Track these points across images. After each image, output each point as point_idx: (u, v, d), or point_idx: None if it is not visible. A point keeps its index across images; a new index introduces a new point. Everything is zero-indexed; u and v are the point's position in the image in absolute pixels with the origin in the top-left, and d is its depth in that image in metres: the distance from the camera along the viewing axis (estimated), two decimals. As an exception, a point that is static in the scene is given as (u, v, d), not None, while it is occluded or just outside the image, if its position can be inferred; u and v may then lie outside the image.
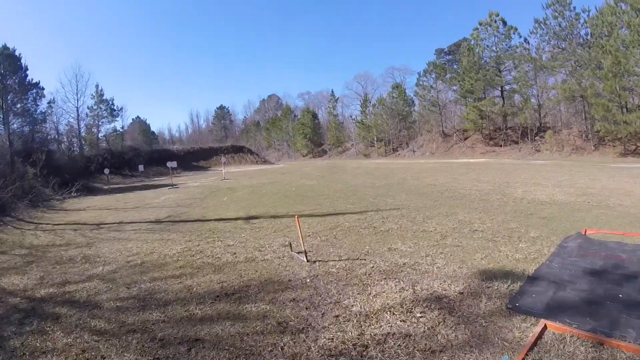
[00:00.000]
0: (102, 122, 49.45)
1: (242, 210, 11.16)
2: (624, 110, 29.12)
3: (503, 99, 44.37)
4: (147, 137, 69.64)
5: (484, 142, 45.98)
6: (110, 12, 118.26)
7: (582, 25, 34.65)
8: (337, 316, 3.62)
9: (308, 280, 4.66)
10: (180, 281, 5.09)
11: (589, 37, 33.76)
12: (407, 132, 59.94)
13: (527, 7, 79.59)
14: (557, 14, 35.99)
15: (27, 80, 33.36)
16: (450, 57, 65.66)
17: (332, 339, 3.22)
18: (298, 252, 5.77)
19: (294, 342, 3.21)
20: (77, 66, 65.65)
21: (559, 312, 3.36)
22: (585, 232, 6.05)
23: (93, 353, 3.35)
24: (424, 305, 3.73)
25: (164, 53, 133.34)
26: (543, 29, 37.79)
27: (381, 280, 4.44)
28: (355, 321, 3.50)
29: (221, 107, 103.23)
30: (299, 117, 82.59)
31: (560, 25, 36.07)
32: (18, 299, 5.17)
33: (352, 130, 70.31)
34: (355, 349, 3.03)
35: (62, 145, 41.04)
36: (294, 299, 4.09)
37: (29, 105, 33.69)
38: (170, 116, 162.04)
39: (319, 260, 5.45)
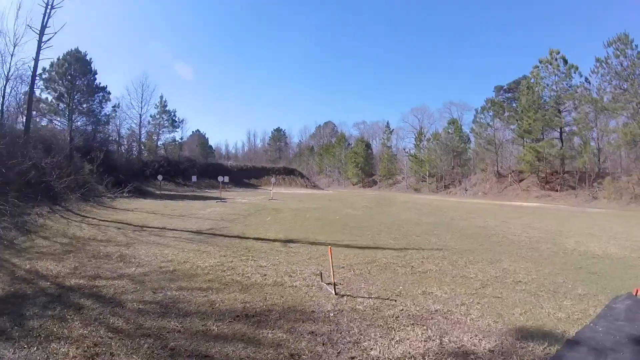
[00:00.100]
0: (163, 131, 52.56)
1: (282, 233, 11.15)
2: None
3: (562, 140, 42.17)
4: (204, 150, 72.72)
5: (540, 186, 43.56)
6: (184, 39, 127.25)
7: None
8: (353, 358, 3.39)
9: (332, 314, 4.46)
10: (205, 295, 5.09)
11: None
12: (461, 170, 58.37)
13: (589, 45, 75.95)
14: (618, 52, 34.11)
15: (95, 83, 36.15)
16: (509, 94, 63.74)
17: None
18: (328, 283, 5.58)
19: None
20: (144, 76, 70.40)
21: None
22: (637, 292, 5.35)
23: (104, 348, 3.41)
24: (449, 360, 3.41)
25: (230, 75, 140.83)
26: (604, 69, 35.98)
27: (408, 326, 4.14)
28: (371, 366, 3.25)
29: (278, 129, 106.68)
30: (352, 145, 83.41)
31: (622, 65, 34.09)
32: (48, 283, 5.50)
33: (404, 163, 69.87)
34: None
35: (122, 147, 44.01)
36: (312, 332, 3.90)
37: (94, 106, 36.40)
38: (229, 133, 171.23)
39: (348, 295, 5.23)
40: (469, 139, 60.17)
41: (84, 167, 21.44)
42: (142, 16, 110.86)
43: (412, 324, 4.21)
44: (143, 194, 27.08)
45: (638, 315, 4.47)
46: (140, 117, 46.64)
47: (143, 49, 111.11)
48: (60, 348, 3.39)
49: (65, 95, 33.00)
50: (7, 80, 18.08)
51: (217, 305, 4.70)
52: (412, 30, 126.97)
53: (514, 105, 53.37)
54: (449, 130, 59.68)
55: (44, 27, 18.04)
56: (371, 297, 5.16)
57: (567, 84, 41.40)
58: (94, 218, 12.94)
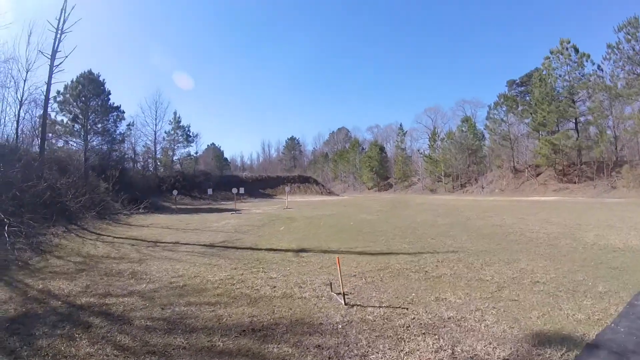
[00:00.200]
0: (178, 147, 53.28)
1: (294, 242, 11.07)
2: None
3: (577, 131, 41.14)
4: (219, 163, 73.36)
5: (557, 179, 42.54)
6: (195, 52, 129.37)
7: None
8: (360, 373, 3.26)
9: (340, 326, 4.32)
10: (213, 309, 5.04)
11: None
12: (477, 167, 57.51)
13: (599, 31, 74.08)
14: (629, 36, 33.22)
15: (109, 103, 37.04)
16: (522, 88, 62.83)
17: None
18: (337, 293, 5.44)
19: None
20: (157, 94, 71.72)
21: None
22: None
23: (109, 366, 3.40)
24: (461, 371, 3.24)
25: (243, 87, 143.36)
26: (616, 54, 35.13)
27: (419, 336, 3.97)
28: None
29: (292, 138, 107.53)
30: (366, 150, 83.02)
31: (634, 49, 33.17)
32: (60, 302, 5.58)
33: (419, 165, 69.32)
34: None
35: (138, 164, 44.79)
36: (319, 346, 3.78)
37: (109, 126, 37.32)
38: (244, 144, 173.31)
39: (358, 305, 5.08)
40: (483, 136, 59.41)
41: (100, 186, 21.85)
42: (152, 34, 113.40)
43: (424, 333, 4.04)
44: (159, 209, 27.40)
45: None
46: (155, 134, 47.57)
47: (158, 68, 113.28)
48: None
49: (80, 116, 33.86)
50: (22, 104, 18.67)
51: (224, 320, 4.64)
52: (417, 31, 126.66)
53: (527, 98, 52.46)
54: (463, 129, 58.97)
55: (55, 51, 18.54)
56: (382, 306, 5.01)
57: (579, 73, 40.50)
58: (109, 235, 13.10)
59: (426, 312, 4.73)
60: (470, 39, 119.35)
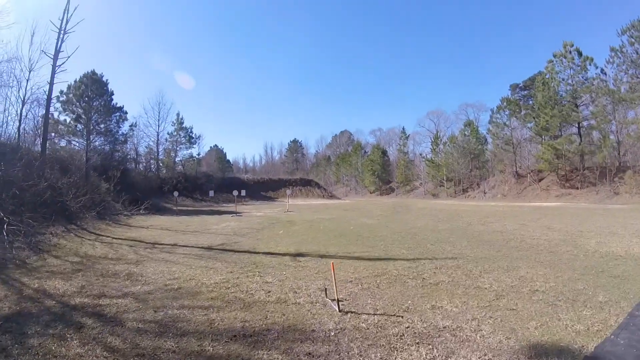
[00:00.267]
0: (180, 148, 53.45)
1: (292, 246, 10.99)
2: None
3: (580, 136, 40.90)
4: (222, 165, 73.42)
5: (560, 184, 42.29)
6: (197, 53, 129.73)
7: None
8: (351, 383, 3.19)
9: (332, 333, 4.24)
10: (206, 313, 4.98)
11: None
12: (479, 172, 57.32)
13: (603, 35, 73.83)
14: (633, 39, 32.93)
15: (112, 104, 37.12)
16: (525, 92, 62.61)
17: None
18: (332, 300, 5.36)
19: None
20: (160, 95, 72.05)
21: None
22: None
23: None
24: (454, 384, 3.15)
25: (245, 90, 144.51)
26: (620, 58, 34.80)
27: (412, 345, 3.88)
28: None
29: (294, 141, 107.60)
30: (369, 153, 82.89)
31: (637, 52, 32.93)
32: (54, 302, 5.58)
33: (421, 169, 69.12)
34: None
35: (140, 165, 44.86)
36: (309, 353, 3.71)
37: (111, 126, 37.40)
38: (247, 147, 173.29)
39: (352, 312, 5.00)
40: (486, 140, 59.22)
41: (101, 186, 21.84)
42: (153, 34, 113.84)
43: (417, 343, 3.95)
44: (160, 210, 27.38)
45: None
46: (158, 135, 47.75)
47: (160, 69, 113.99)
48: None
49: (83, 116, 33.91)
50: (24, 103, 18.73)
51: (216, 324, 4.59)
52: (420, 33, 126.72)
53: (530, 102, 52.27)
54: (466, 132, 58.85)
55: (57, 51, 18.58)
56: (376, 314, 4.92)
57: (582, 77, 40.26)
58: (108, 236, 13.08)
59: (421, 320, 4.64)
60: (473, 41, 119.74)
